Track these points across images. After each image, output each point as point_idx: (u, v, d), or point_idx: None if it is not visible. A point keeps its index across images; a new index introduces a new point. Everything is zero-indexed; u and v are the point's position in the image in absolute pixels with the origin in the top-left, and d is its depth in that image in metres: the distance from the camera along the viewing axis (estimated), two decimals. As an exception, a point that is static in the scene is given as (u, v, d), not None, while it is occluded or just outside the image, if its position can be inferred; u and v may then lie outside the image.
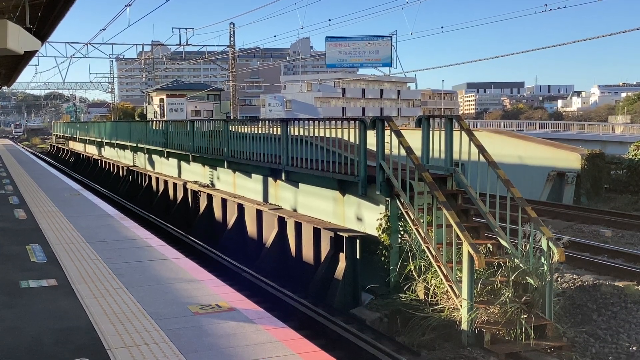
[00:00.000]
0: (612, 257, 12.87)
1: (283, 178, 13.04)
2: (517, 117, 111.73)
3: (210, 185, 17.96)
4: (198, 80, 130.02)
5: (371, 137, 10.18)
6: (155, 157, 24.03)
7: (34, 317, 5.91)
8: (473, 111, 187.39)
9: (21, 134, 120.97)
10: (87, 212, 12.44)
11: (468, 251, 7.74)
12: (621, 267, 11.67)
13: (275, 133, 13.51)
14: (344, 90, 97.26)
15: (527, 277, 8.11)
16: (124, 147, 28.47)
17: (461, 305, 7.96)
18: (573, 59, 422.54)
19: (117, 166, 28.74)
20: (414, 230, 9.08)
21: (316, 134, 11.82)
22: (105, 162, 31.74)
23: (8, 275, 7.43)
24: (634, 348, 8.02)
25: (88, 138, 38.68)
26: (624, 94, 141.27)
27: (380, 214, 10.05)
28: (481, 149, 9.37)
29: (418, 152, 9.76)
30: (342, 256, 10.66)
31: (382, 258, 9.88)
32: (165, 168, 22.63)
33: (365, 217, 10.78)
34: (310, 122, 12.32)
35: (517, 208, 8.63)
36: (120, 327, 5.61)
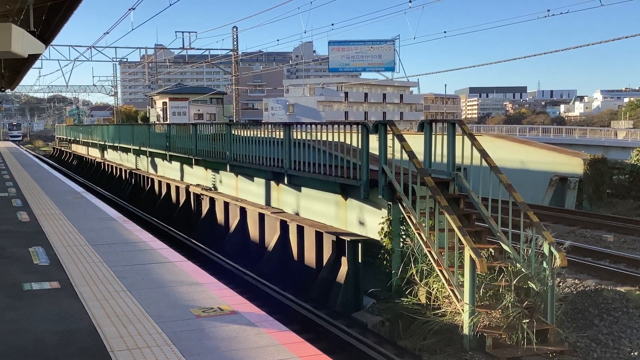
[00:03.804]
0: (614, 262, 12.86)
1: (285, 182, 13.06)
2: (520, 122, 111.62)
3: (212, 189, 17.98)
4: (201, 84, 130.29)
5: (374, 141, 10.20)
6: (157, 160, 24.07)
7: (36, 319, 5.93)
8: (475, 116, 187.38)
9: (20, 138, 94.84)
10: (89, 215, 12.46)
11: (470, 255, 7.75)
12: (623, 272, 11.65)
13: (277, 137, 13.54)
14: (346, 94, 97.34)
15: (529, 282, 8.11)
16: (126, 150, 28.51)
17: (463, 310, 7.96)
18: (576, 63, 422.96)
19: (120, 169, 28.79)
20: (416, 234, 9.09)
21: (319, 138, 11.84)
22: (108, 165, 31.79)
23: (11, 278, 7.45)
24: (636, 353, 8.01)
25: (91, 141, 38.75)
26: (626, 99, 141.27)
27: (383, 218, 10.06)
28: (483, 154, 9.39)
29: (420, 157, 9.76)
30: (344, 260, 10.67)
31: (384, 262, 9.89)
32: (167, 171, 22.66)
33: (368, 221, 10.79)
34: (313, 126, 12.34)
35: (519, 212, 8.64)
36: (123, 330, 5.63)
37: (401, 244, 9.72)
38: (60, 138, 58.37)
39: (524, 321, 7.70)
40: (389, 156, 9.98)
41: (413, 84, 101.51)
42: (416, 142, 10.36)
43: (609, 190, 23.56)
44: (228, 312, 6.17)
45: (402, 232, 9.79)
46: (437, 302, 8.64)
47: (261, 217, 13.91)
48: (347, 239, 10.59)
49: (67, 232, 10.35)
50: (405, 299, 9.06)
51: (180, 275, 7.62)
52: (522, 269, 8.18)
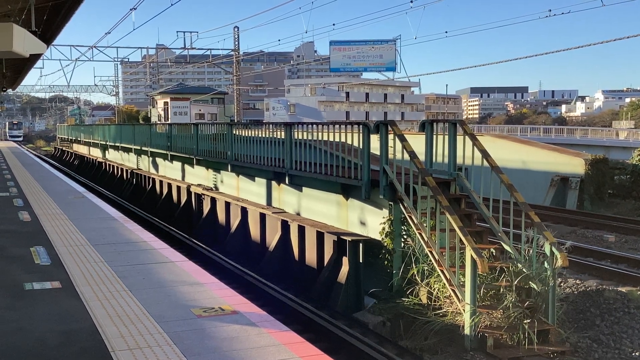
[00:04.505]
0: (616, 262, 12.85)
1: (287, 182, 13.06)
2: (521, 122, 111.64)
3: (213, 189, 17.98)
4: (202, 84, 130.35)
5: (375, 141, 10.20)
6: (159, 160, 24.08)
7: (37, 319, 5.93)
8: (477, 116, 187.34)
9: (21, 138, 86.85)
10: (91, 214, 12.47)
11: (471, 255, 7.75)
12: (624, 272, 11.65)
13: (279, 137, 13.54)
14: (347, 94, 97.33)
15: (530, 282, 8.10)
16: (128, 150, 28.53)
17: (464, 310, 7.96)
18: (577, 64, 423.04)
19: (121, 169, 28.80)
20: (417, 234, 9.09)
21: (320, 138, 11.84)
22: (109, 165, 31.80)
23: (12, 277, 7.46)
24: (637, 353, 8.00)
25: (92, 141, 38.78)
26: (628, 99, 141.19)
27: (384, 218, 10.06)
28: (485, 154, 9.38)
29: (422, 157, 9.76)
30: (345, 260, 10.67)
31: (385, 262, 9.89)
32: (169, 171, 22.67)
33: (369, 221, 10.79)
34: (314, 126, 12.34)
35: (521, 213, 8.63)
36: (124, 330, 5.63)
37: (402, 244, 9.72)
38: (61, 138, 58.40)
39: (525, 321, 7.69)
40: (390, 156, 9.98)
41: (414, 84, 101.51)
42: (417, 142, 10.35)
43: (610, 191, 23.56)
44: (229, 312, 6.17)
45: (403, 232, 9.79)
46: (438, 302, 8.64)
47: (262, 217, 13.91)
48: (348, 239, 10.59)
49: (68, 232, 10.36)
50: (407, 299, 9.05)
51: (181, 275, 7.63)
52: (523, 269, 8.17)
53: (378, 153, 10.06)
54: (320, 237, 11.51)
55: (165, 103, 73.72)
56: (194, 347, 5.22)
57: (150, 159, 24.97)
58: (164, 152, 22.40)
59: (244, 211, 14.88)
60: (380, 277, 10.05)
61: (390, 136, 9.96)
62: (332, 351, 6.77)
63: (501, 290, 8.15)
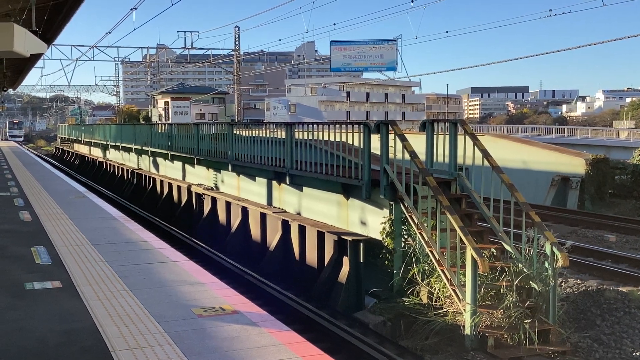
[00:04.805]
0: (616, 262, 12.85)
1: (287, 181, 13.06)
2: (522, 122, 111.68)
3: (214, 189, 17.99)
4: (203, 84, 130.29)
5: (375, 141, 10.20)
6: (159, 159, 24.08)
7: (38, 319, 5.94)
8: (477, 115, 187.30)
9: (22, 138, 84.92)
10: (91, 214, 12.47)
11: (472, 255, 7.75)
12: (625, 272, 11.65)
13: (279, 136, 13.54)
14: (348, 94, 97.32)
15: (530, 282, 8.11)
16: (128, 150, 28.53)
17: (464, 310, 7.96)
18: (578, 63, 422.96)
19: (122, 169, 28.81)
20: (418, 234, 9.09)
21: (320, 138, 11.84)
22: (110, 164, 31.81)
23: (13, 277, 7.46)
24: (638, 353, 8.00)
25: (93, 141, 38.79)
26: (628, 99, 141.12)
27: (384, 217, 10.06)
28: (485, 154, 9.38)
29: (422, 156, 9.76)
30: (345, 260, 10.67)
31: (386, 262, 9.89)
32: (169, 171, 22.68)
33: (369, 220, 10.79)
34: (315, 125, 12.34)
35: (521, 212, 8.63)
36: (125, 329, 5.63)
37: (403, 244, 9.72)
38: (62, 137, 58.43)
39: (526, 321, 7.70)
40: (391, 156, 9.98)
41: (415, 83, 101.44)
42: (418, 142, 10.36)
43: (611, 190, 23.55)
44: (229, 311, 6.17)
45: (404, 232, 9.78)
46: (438, 302, 8.64)
47: (263, 216, 13.91)
48: (349, 238, 10.59)
49: (68, 232, 10.36)
50: (407, 299, 9.05)
51: (181, 274, 7.63)
52: (524, 269, 8.17)
53: (379, 153, 10.06)
54: (320, 236, 11.51)
55: (166, 103, 73.78)
56: (195, 346, 5.22)
57: (151, 158, 24.97)
58: (165, 151, 22.40)
59: (245, 211, 14.88)
60: (380, 276, 10.05)
61: (391, 136, 9.95)
62: (332, 351, 6.77)
63: (502, 290, 8.15)
